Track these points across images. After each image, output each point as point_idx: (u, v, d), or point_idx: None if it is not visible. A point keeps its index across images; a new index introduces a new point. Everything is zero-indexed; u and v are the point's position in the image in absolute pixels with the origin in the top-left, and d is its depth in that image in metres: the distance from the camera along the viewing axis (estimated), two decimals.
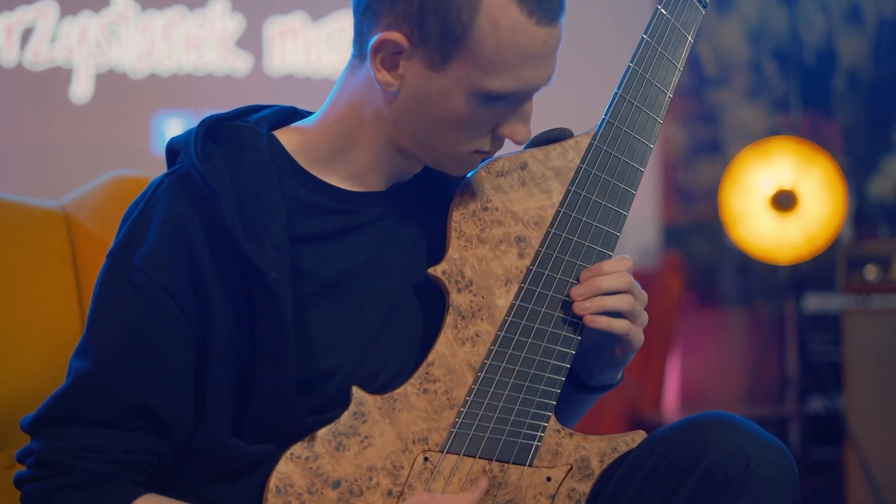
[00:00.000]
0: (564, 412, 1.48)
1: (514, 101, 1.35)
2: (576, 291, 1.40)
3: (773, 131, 5.37)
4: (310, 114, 1.51)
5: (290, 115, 1.49)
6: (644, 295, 1.44)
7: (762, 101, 5.70)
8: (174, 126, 5.08)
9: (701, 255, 5.26)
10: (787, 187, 4.37)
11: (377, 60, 1.33)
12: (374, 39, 1.32)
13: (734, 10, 5.66)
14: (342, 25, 5.38)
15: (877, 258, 4.38)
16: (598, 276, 1.40)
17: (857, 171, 5.21)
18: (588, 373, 1.49)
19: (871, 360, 4.21)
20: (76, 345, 1.35)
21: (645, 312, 1.44)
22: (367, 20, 1.35)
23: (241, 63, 5.25)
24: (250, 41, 5.30)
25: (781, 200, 4.38)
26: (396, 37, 1.31)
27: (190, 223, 1.33)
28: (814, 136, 5.02)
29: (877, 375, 4.20)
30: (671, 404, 4.57)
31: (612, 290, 1.40)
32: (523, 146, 1.45)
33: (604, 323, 1.40)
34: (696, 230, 5.29)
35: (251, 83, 5.27)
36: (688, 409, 4.58)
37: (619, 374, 1.52)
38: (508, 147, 1.45)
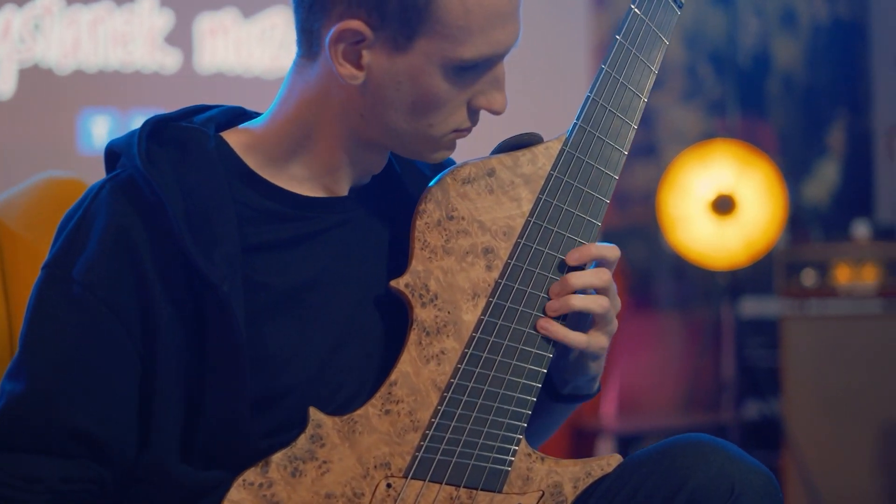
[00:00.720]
0: (538, 425, 1.41)
1: (486, 68, 1.28)
2: (552, 289, 1.32)
3: (709, 134, 5.35)
4: (256, 114, 1.42)
5: (238, 116, 1.40)
6: (619, 302, 1.36)
7: (697, 104, 5.68)
8: (101, 124, 4.94)
9: (637, 260, 5.22)
10: (726, 191, 4.35)
11: (338, 54, 1.25)
12: (331, 33, 1.24)
13: None
14: (274, 23, 5.27)
15: (814, 263, 4.38)
16: (572, 275, 1.32)
17: (791, 175, 5.20)
18: (562, 381, 1.41)
19: (809, 366, 4.20)
20: (8, 365, 1.24)
21: (616, 321, 1.36)
22: (315, 15, 1.26)
23: (169, 60, 5.11)
24: (180, 38, 5.17)
25: (720, 204, 4.36)
26: (354, 25, 1.23)
27: (134, 232, 1.24)
28: (749, 139, 5.01)
29: (815, 380, 4.19)
30: (609, 411, 4.52)
31: (585, 288, 1.32)
32: (490, 151, 1.37)
33: (559, 334, 1.32)
34: (632, 234, 5.25)
35: (180, 80, 5.15)
36: (626, 416, 4.54)
37: (596, 385, 1.44)
38: (474, 152, 1.37)
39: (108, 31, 5.01)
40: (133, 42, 5.04)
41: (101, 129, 4.95)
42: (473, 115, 1.32)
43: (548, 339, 1.32)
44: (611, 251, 1.35)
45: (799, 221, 5.13)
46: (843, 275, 4.33)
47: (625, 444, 4.29)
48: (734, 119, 4.98)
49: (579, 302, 1.32)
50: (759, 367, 4.57)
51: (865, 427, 4.16)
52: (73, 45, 4.87)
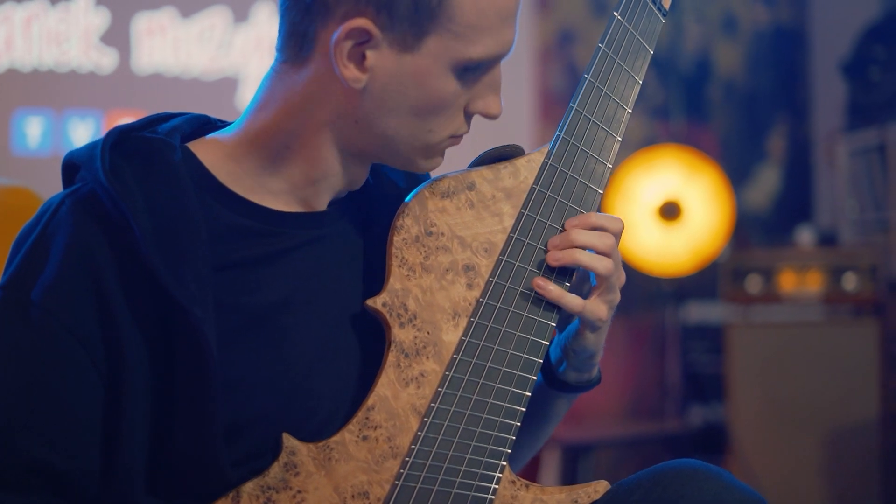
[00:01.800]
0: (535, 426, 1.37)
1: (487, 70, 1.24)
2: (552, 241, 1.28)
3: (652, 140, 5.34)
4: (224, 122, 1.35)
5: (203, 125, 1.33)
6: (623, 275, 1.31)
7: (640, 110, 5.68)
8: (35, 125, 4.82)
9: None
10: (672, 198, 4.34)
11: (342, 55, 1.18)
12: (336, 33, 1.18)
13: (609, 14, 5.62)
14: (213, 23, 5.18)
15: (759, 269, 4.38)
16: (576, 228, 1.27)
17: (732, 181, 5.21)
18: (559, 361, 1.36)
19: (754, 372, 4.20)
20: None
21: (618, 292, 1.31)
22: (314, 16, 1.20)
23: (106, 60, 5.00)
24: (116, 37, 5.06)
25: (667, 211, 4.34)
26: (362, 23, 1.17)
27: (97, 251, 1.16)
28: (691, 144, 5.01)
29: (759, 387, 4.19)
30: None
31: (586, 246, 1.28)
32: (469, 164, 1.31)
33: (554, 293, 1.27)
34: None
35: (117, 81, 5.04)
36: (570, 427, 4.50)
37: (596, 370, 1.39)
38: (453, 164, 1.32)
39: (42, 30, 4.90)
40: (68, 41, 4.94)
41: (35, 130, 4.83)
42: (468, 121, 1.27)
43: (532, 362, 1.27)
44: (613, 222, 1.30)
45: (740, 227, 5.14)
46: (787, 281, 4.33)
47: (572, 455, 4.24)
48: (678, 124, 4.97)
49: (584, 257, 1.27)
50: (704, 373, 4.56)
51: (810, 433, 4.17)
52: (5, 43, 4.75)
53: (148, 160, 1.20)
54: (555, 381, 1.38)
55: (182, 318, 1.14)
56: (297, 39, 1.22)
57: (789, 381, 4.17)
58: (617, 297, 1.31)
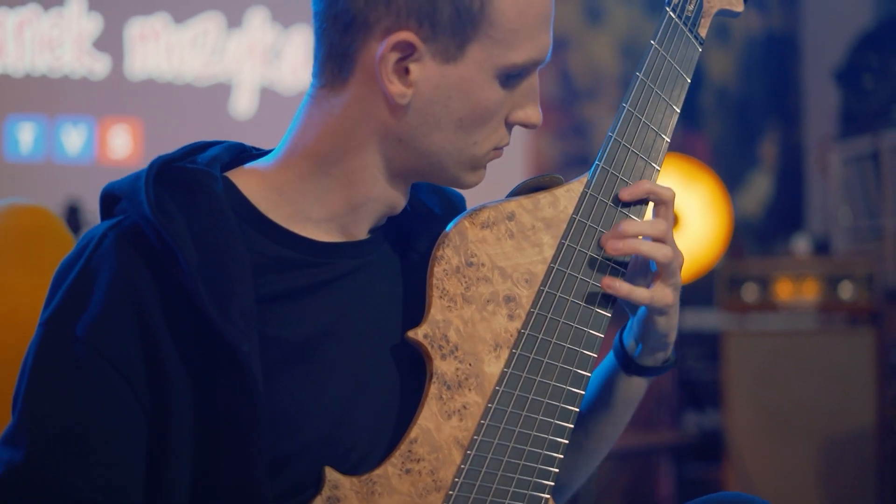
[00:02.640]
0: (621, 405, 1.39)
1: (527, 76, 1.24)
2: (605, 236, 1.28)
3: None
4: (259, 151, 1.34)
5: (240, 153, 1.32)
6: (681, 254, 1.31)
7: None
8: (27, 130, 4.80)
9: None
10: None
11: (387, 71, 1.18)
12: (381, 49, 1.17)
13: (606, 23, 5.63)
14: (206, 28, 5.16)
15: (755, 278, 4.39)
16: (626, 222, 1.28)
17: (725, 187, 5.22)
18: (634, 346, 1.36)
19: (750, 380, 4.21)
20: (4, 430, 1.15)
21: (680, 274, 1.31)
22: (354, 34, 1.19)
23: (99, 65, 4.98)
24: (109, 42, 5.04)
25: None
26: (405, 36, 1.17)
27: (142, 287, 1.14)
28: (684, 151, 5.01)
29: (756, 395, 4.20)
30: None
31: (640, 234, 1.28)
32: (507, 194, 1.31)
33: (623, 290, 1.27)
34: None
35: (110, 86, 5.02)
36: None
37: (671, 350, 1.38)
38: (491, 193, 1.31)
39: (34, 35, 4.87)
40: (61, 46, 4.91)
41: (27, 136, 4.80)
42: (509, 131, 1.27)
43: (575, 393, 1.26)
44: (665, 191, 1.30)
45: (733, 234, 5.15)
46: (783, 290, 4.34)
47: None
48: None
49: (644, 247, 1.27)
50: (700, 381, 4.56)
51: (806, 441, 4.18)
52: None
53: (190, 192, 1.18)
54: (632, 366, 1.38)
55: (228, 353, 1.13)
56: (336, 61, 1.21)
57: (785, 390, 4.18)
58: (679, 279, 1.31)
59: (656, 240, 1.28)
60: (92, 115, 5.01)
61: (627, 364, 1.38)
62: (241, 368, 1.12)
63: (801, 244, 4.70)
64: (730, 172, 5.53)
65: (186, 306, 1.14)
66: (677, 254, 1.30)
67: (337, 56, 1.21)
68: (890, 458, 4.12)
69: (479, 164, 1.27)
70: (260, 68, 5.27)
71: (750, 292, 4.33)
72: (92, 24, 4.99)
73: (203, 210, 1.17)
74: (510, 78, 1.22)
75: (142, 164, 5.08)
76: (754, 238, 5.53)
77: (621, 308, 1.36)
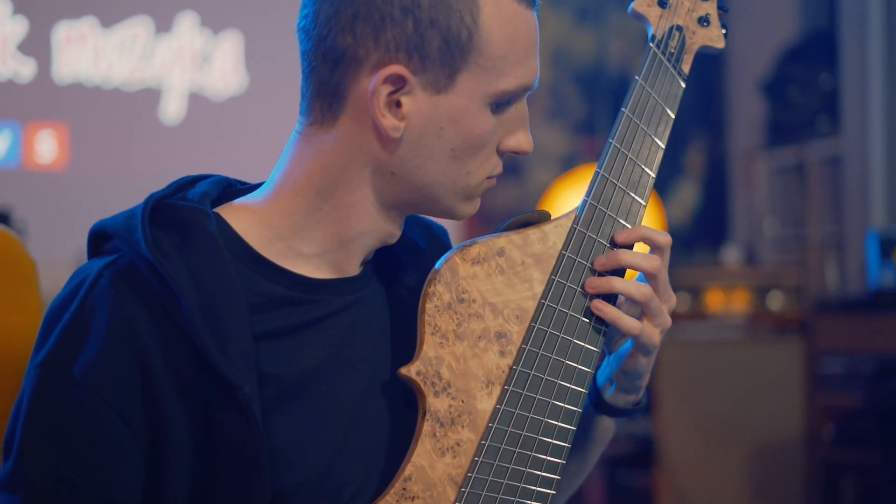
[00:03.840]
0: (589, 445, 1.38)
1: (515, 103, 1.25)
2: (598, 261, 1.28)
3: (574, 154, 5.40)
4: (245, 185, 1.33)
5: (227, 188, 1.31)
6: (672, 298, 1.31)
7: (562, 124, 5.72)
8: None
9: None
10: None
11: (380, 105, 1.18)
12: (372, 83, 1.17)
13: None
14: (135, 33, 5.10)
15: (686, 287, 4.44)
16: (622, 251, 1.28)
17: (657, 196, 5.29)
18: (608, 383, 1.36)
19: (681, 389, 4.26)
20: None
21: (667, 316, 1.30)
22: (343, 70, 1.19)
23: (24, 69, 4.90)
24: (35, 46, 4.96)
25: None
26: (396, 70, 1.17)
27: (141, 327, 1.12)
28: None
29: (686, 403, 4.26)
30: None
31: (631, 266, 1.27)
32: (495, 229, 1.31)
33: (612, 315, 1.27)
34: None
35: (36, 90, 4.94)
36: None
37: (642, 394, 1.38)
38: (481, 225, 1.31)
39: None
40: None
41: None
42: (502, 159, 1.27)
43: (566, 430, 1.27)
44: (662, 236, 1.30)
45: None
46: (714, 299, 4.40)
47: None
48: (602, 140, 5.02)
49: (619, 284, 1.27)
50: None
51: (736, 449, 4.25)
52: None
53: (185, 230, 1.17)
54: (602, 405, 1.37)
55: (229, 394, 1.11)
56: (325, 98, 1.21)
57: (716, 398, 4.24)
58: (666, 320, 1.31)
59: (649, 274, 1.29)
60: (17, 120, 4.92)
61: (598, 403, 1.38)
62: (243, 409, 1.11)
63: (732, 254, 4.77)
64: (656, 181, 5.59)
65: (184, 346, 1.13)
66: (667, 295, 1.30)
67: (327, 93, 1.20)
68: (818, 466, 4.21)
69: (474, 193, 1.27)
70: (189, 73, 5.22)
71: (681, 302, 4.38)
72: (18, 27, 4.90)
73: (199, 249, 1.16)
74: (500, 105, 1.23)
75: (68, 169, 5.01)
76: (681, 247, 5.60)
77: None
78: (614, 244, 1.31)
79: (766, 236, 5.29)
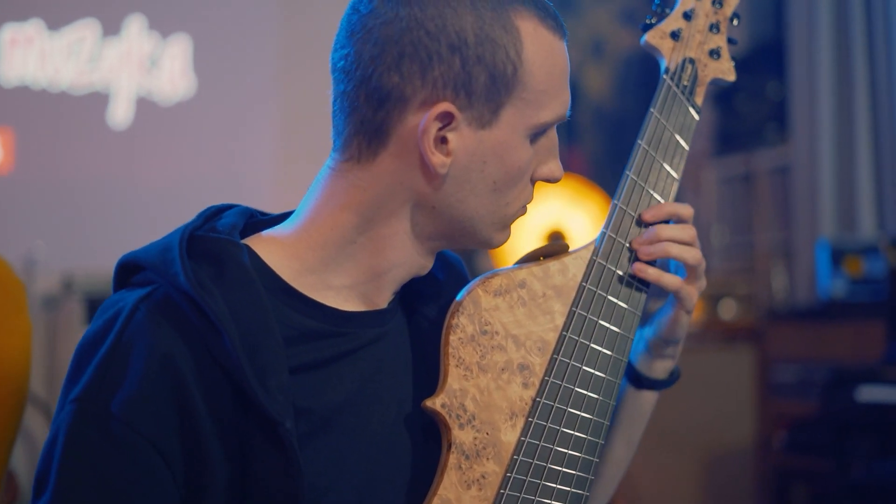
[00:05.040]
0: (635, 424, 1.45)
1: (549, 133, 1.27)
2: (638, 240, 1.34)
3: None
4: (265, 215, 1.32)
5: (249, 219, 1.30)
6: (704, 261, 1.37)
7: None
8: None
9: None
10: (557, 226, 4.40)
11: (430, 143, 1.18)
12: (423, 121, 1.17)
13: None
14: (82, 36, 5.03)
15: None
16: (661, 227, 1.34)
17: None
18: (646, 356, 1.42)
19: None
20: None
21: (704, 277, 1.38)
22: (388, 110, 1.18)
23: None
24: None
25: (554, 240, 4.40)
26: (445, 107, 1.17)
27: (180, 361, 1.11)
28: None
29: None
30: None
31: (673, 240, 1.34)
32: (516, 261, 1.32)
33: (654, 275, 1.33)
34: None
35: None
36: None
37: (675, 365, 1.45)
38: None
39: None
40: None
41: None
42: (533, 188, 1.29)
43: (589, 461, 1.28)
44: (685, 209, 1.36)
45: None
46: None
47: None
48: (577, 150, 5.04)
49: (675, 249, 1.33)
50: None
51: (688, 456, 4.29)
52: None
53: (220, 264, 1.16)
54: (644, 381, 1.43)
55: (269, 430, 1.11)
56: (367, 136, 1.20)
57: (668, 406, 4.25)
58: (704, 282, 1.38)
59: (687, 243, 1.34)
60: None
61: (638, 379, 1.43)
62: (283, 446, 1.11)
63: None
64: (606, 188, 5.63)
65: (222, 380, 1.11)
66: (702, 258, 1.36)
67: (369, 131, 1.20)
68: (769, 473, 4.26)
69: (508, 223, 1.28)
70: (137, 77, 5.16)
71: None
72: None
73: (235, 283, 1.15)
74: (537, 136, 1.24)
75: (13, 173, 4.92)
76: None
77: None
78: (633, 278, 1.33)
79: (713, 245, 5.34)
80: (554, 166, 1.28)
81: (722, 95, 5.25)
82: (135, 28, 5.12)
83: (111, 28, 5.10)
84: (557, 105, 1.24)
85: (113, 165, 5.03)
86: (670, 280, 1.34)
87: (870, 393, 3.54)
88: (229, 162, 5.26)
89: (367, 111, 1.19)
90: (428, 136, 1.17)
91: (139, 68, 5.17)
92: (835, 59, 4.76)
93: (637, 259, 1.33)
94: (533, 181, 1.28)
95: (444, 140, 1.19)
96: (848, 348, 4.08)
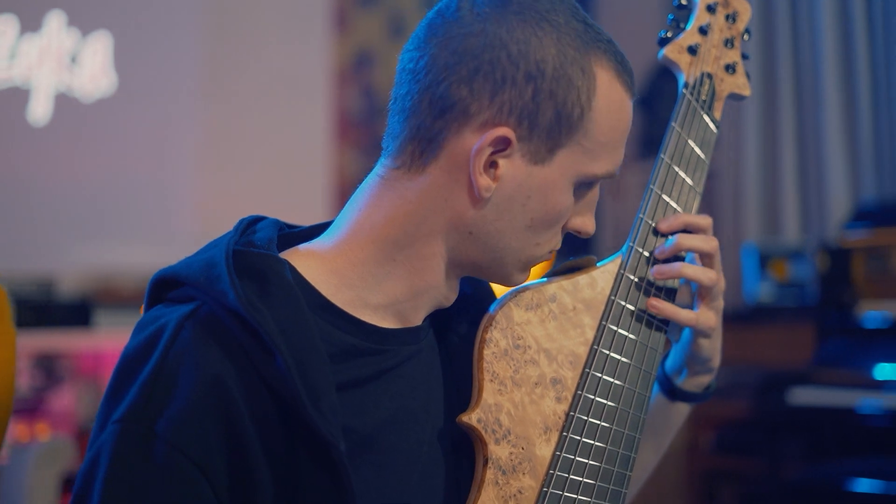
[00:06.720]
0: (663, 433, 1.47)
1: (594, 187, 1.27)
2: (661, 251, 1.34)
3: None
4: (293, 227, 1.30)
5: (282, 231, 1.28)
6: (723, 279, 1.36)
7: None
8: None
9: None
10: None
11: (480, 164, 1.16)
12: (480, 142, 1.15)
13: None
14: (1, 31, 4.91)
15: None
16: (682, 236, 1.33)
17: None
18: (677, 371, 1.43)
19: None
20: None
21: (721, 297, 1.37)
22: (447, 121, 1.16)
23: None
24: None
25: None
26: (504, 132, 1.15)
27: (228, 381, 1.07)
28: None
29: None
30: None
31: (693, 250, 1.34)
32: (544, 275, 1.32)
33: (668, 311, 1.33)
34: None
35: None
36: None
37: (713, 376, 1.46)
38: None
39: None
40: None
41: None
42: (563, 236, 1.28)
43: (623, 475, 1.28)
44: (703, 219, 1.36)
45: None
46: None
47: None
48: None
49: (689, 270, 1.32)
50: None
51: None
52: None
53: (265, 280, 1.13)
54: (677, 393, 1.44)
55: (321, 451, 1.08)
56: (420, 144, 1.18)
57: None
58: (721, 302, 1.37)
59: (706, 256, 1.34)
60: None
61: (672, 391, 1.44)
62: (336, 468, 1.08)
63: None
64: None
65: (269, 401, 1.08)
66: (721, 278, 1.36)
67: (423, 139, 1.18)
68: (697, 474, 4.32)
69: (531, 265, 1.27)
70: (57, 74, 5.06)
71: None
72: None
73: (281, 300, 1.12)
74: (584, 186, 1.23)
75: None
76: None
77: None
78: (660, 290, 1.34)
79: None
80: (588, 220, 1.27)
81: (645, 99, 5.31)
82: (55, 24, 5.02)
83: (30, 24, 4.99)
84: (611, 161, 1.23)
85: (32, 162, 4.92)
86: (686, 316, 1.34)
87: (801, 395, 3.61)
88: (150, 159, 5.18)
89: (427, 117, 1.17)
90: (480, 157, 1.16)
91: (59, 64, 5.06)
92: (759, 64, 4.84)
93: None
94: (564, 230, 1.27)
95: (493, 164, 1.17)
96: (775, 351, 4.15)
